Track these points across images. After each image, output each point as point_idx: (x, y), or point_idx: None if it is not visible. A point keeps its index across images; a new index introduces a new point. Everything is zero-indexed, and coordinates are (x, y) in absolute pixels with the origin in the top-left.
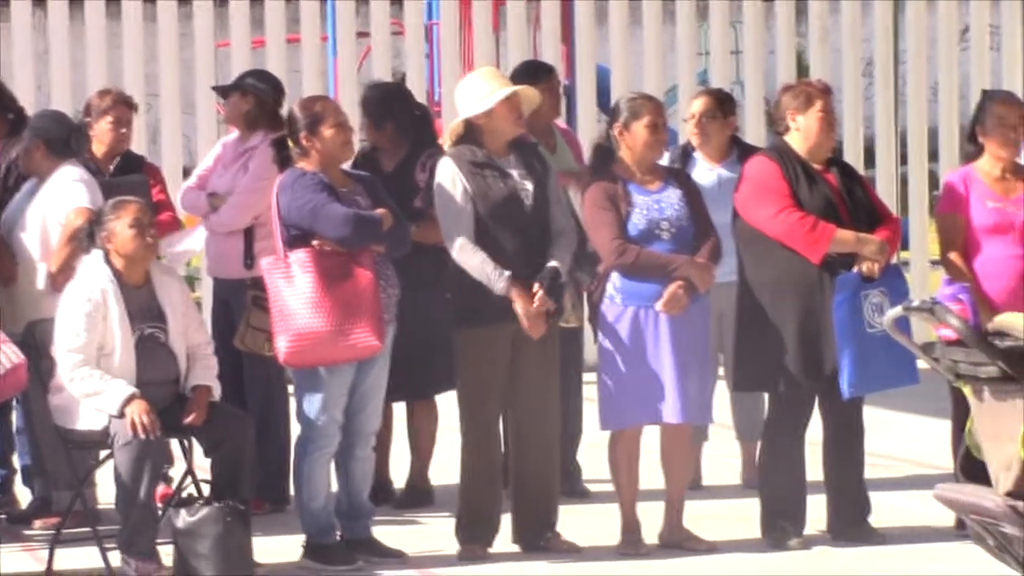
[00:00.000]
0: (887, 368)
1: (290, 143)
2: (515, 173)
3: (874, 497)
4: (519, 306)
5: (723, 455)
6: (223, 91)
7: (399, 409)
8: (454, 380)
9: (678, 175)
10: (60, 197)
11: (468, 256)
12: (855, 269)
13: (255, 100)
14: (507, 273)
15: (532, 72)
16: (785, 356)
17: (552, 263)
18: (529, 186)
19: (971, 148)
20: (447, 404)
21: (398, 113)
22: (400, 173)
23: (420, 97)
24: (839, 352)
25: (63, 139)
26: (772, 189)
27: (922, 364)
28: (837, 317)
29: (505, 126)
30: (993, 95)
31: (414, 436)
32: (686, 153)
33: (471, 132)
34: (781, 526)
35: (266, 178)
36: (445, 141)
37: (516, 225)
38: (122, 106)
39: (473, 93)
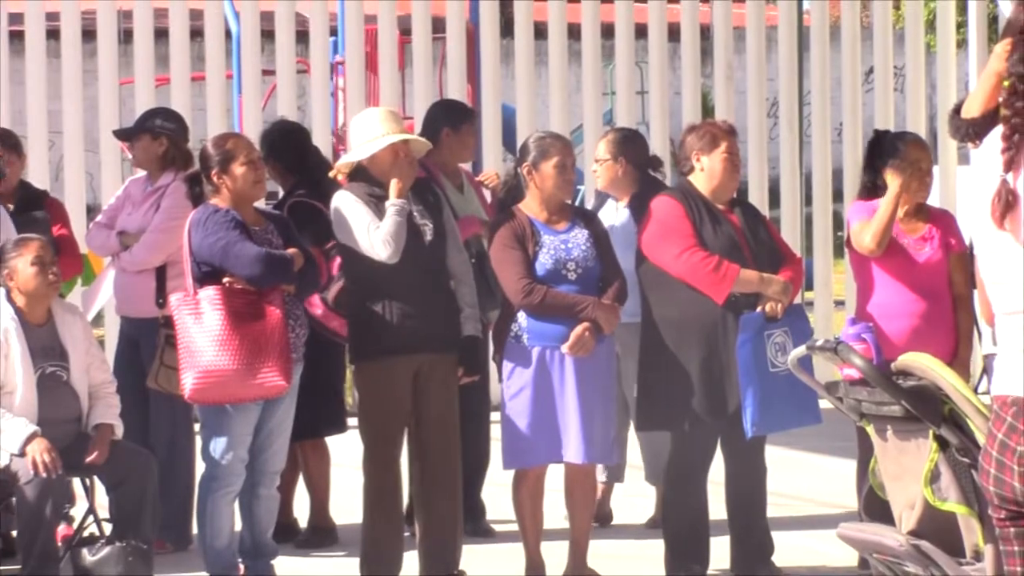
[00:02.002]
0: (790, 408)
1: (203, 179)
2: (413, 210)
3: (778, 536)
4: None
5: (634, 495)
6: (127, 135)
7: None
8: (343, 421)
9: (585, 215)
10: None
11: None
12: (759, 309)
13: (169, 141)
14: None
15: (451, 112)
16: (688, 396)
17: (467, 332)
18: (427, 222)
19: (868, 184)
20: (352, 442)
21: (282, 151)
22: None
23: (325, 135)
24: (742, 391)
25: None
26: (676, 229)
27: (825, 403)
28: (740, 356)
29: (389, 171)
30: (905, 137)
31: (307, 477)
32: (601, 192)
33: (363, 169)
34: (685, 565)
35: (179, 217)
36: (340, 176)
37: (416, 260)
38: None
39: (362, 133)
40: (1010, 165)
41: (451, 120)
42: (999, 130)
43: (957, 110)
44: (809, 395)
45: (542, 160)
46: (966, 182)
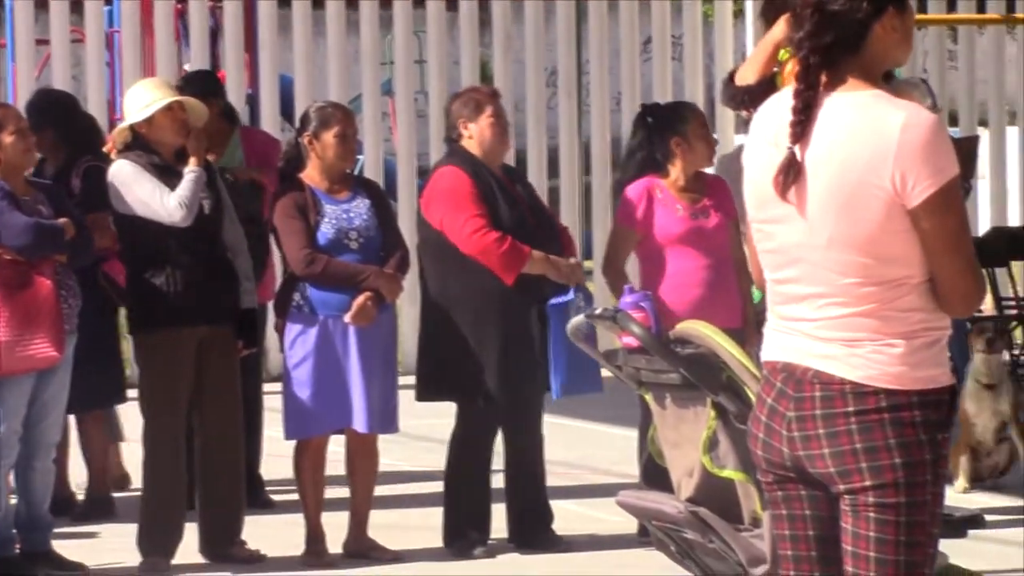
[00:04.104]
0: (579, 374)
1: None
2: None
3: (558, 505)
4: None
5: (425, 466)
6: None
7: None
8: (122, 393)
9: (367, 185)
10: None
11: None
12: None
13: None
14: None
15: (200, 83)
16: (473, 368)
17: (245, 304)
18: (205, 193)
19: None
20: (131, 412)
21: (57, 121)
22: (58, 180)
23: (101, 105)
24: (553, 357)
25: None
26: (465, 204)
27: (606, 372)
28: (552, 323)
29: (166, 135)
30: (690, 108)
31: (86, 448)
32: None
33: (140, 140)
34: (466, 535)
35: None
36: (115, 147)
37: (195, 231)
38: None
39: (137, 101)
40: (798, 137)
41: (197, 91)
42: (779, 99)
43: (731, 77)
44: (591, 363)
45: (323, 130)
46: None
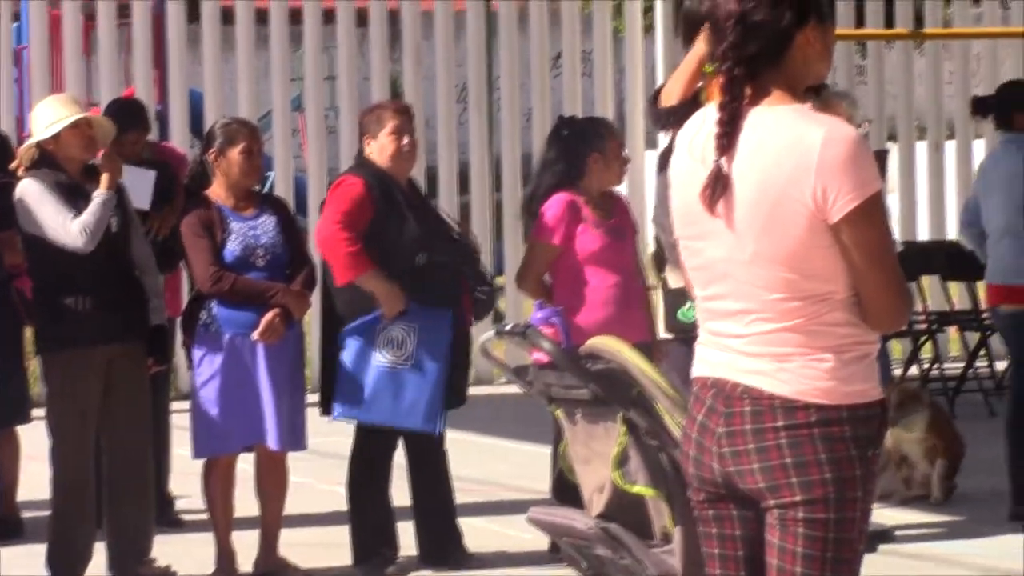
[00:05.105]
0: (396, 404)
1: None
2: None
3: (468, 522)
4: None
5: (334, 484)
6: None
7: None
8: (27, 412)
9: (274, 202)
10: None
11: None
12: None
13: None
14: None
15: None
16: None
17: (155, 322)
18: (113, 212)
19: (565, 172)
20: (37, 431)
21: None
22: None
23: (9, 122)
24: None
25: None
26: (340, 205)
27: (514, 387)
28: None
29: (73, 152)
30: (606, 124)
31: None
32: None
33: (47, 157)
34: (375, 553)
35: None
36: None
37: (103, 250)
38: None
39: (43, 119)
40: (724, 150)
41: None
42: (703, 115)
43: (655, 98)
44: (427, 401)
45: (228, 146)
46: (655, 166)
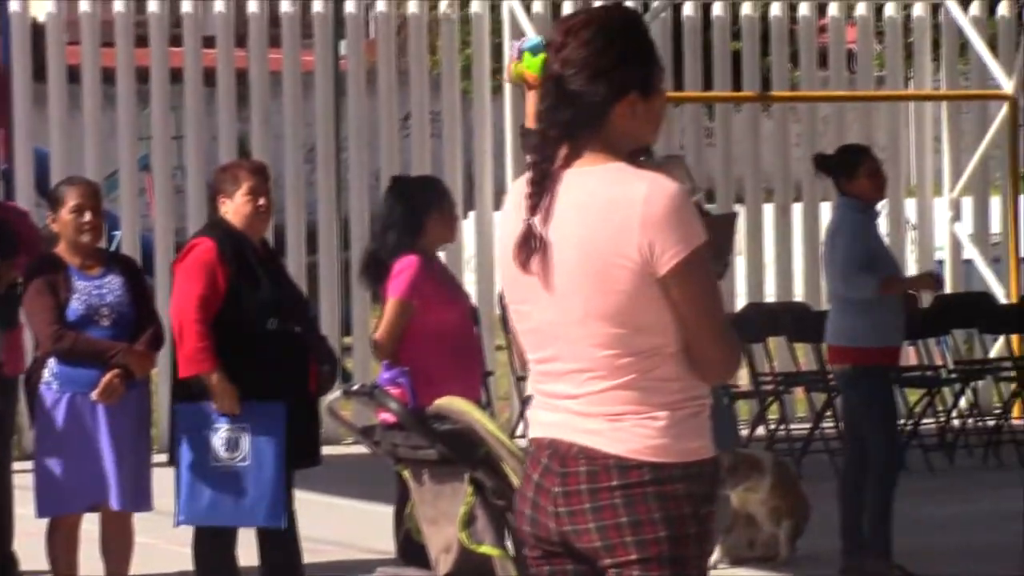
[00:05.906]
0: (230, 502)
1: None
2: None
3: None
4: None
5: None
6: None
7: None
8: None
9: (122, 261)
10: None
11: None
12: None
13: None
14: None
15: None
16: None
17: None
18: None
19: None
20: None
21: None
22: None
23: None
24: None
25: None
26: (197, 276)
27: (361, 447)
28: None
29: None
30: (441, 184)
31: None
32: None
33: None
34: None
35: None
36: None
37: None
38: None
39: None
40: (534, 210)
41: None
42: (526, 175)
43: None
44: (268, 498)
45: (59, 207)
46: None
